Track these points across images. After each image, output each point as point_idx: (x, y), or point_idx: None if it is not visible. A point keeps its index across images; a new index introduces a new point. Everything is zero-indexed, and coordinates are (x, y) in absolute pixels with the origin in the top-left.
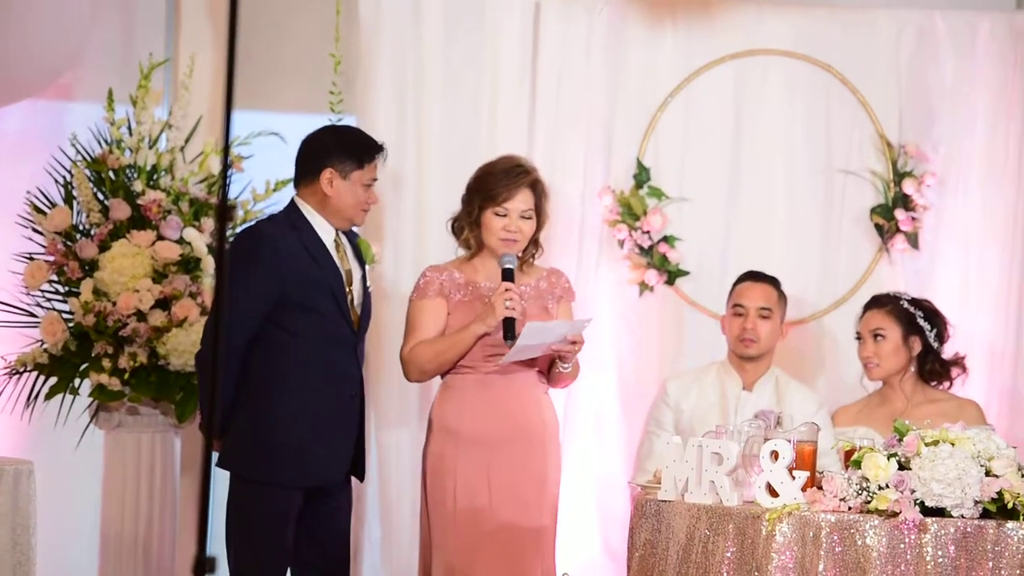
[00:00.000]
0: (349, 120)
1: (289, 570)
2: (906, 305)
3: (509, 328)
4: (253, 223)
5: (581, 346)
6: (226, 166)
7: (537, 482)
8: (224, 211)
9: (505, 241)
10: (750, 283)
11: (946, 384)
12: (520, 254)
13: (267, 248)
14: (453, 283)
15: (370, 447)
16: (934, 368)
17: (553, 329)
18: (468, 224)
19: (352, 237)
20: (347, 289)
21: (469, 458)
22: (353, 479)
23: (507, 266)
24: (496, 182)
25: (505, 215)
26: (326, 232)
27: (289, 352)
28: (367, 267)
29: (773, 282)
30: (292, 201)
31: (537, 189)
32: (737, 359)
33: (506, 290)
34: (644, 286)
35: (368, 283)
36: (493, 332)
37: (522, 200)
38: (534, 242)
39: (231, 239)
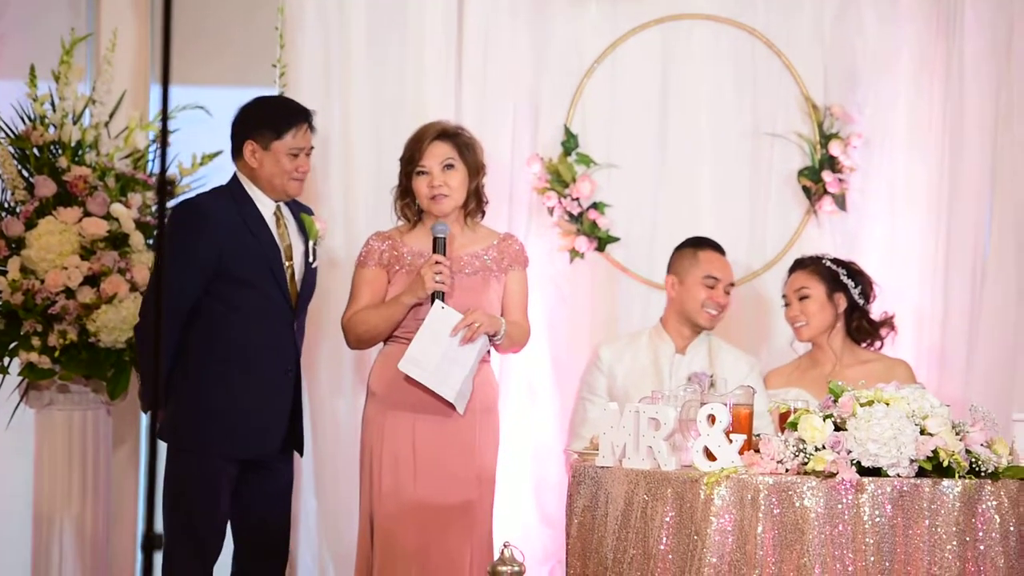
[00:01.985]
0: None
1: (231, 544)
2: (828, 264)
3: (437, 302)
4: (192, 196)
5: (480, 319)
6: (164, 138)
7: (465, 453)
8: (164, 185)
9: (435, 199)
10: (718, 255)
11: (876, 344)
12: (464, 210)
13: (203, 221)
14: (393, 252)
15: (307, 418)
16: (862, 326)
17: (438, 334)
18: (400, 195)
19: (297, 211)
20: (287, 264)
21: (395, 426)
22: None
23: (438, 235)
24: (411, 145)
25: (426, 172)
26: (266, 206)
27: (225, 325)
28: (311, 242)
29: (726, 254)
30: (234, 174)
31: (454, 139)
32: (680, 323)
33: (436, 263)
34: (575, 253)
35: (311, 259)
36: (424, 303)
37: (439, 152)
38: (475, 195)
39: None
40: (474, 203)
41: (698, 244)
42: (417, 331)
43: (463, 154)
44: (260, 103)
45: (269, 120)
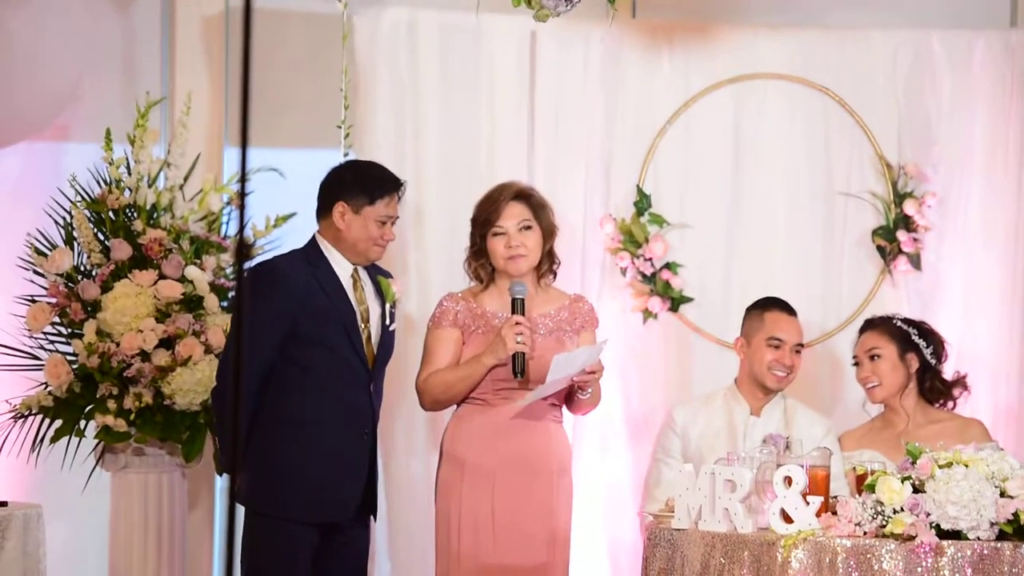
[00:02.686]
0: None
1: None
2: (899, 323)
3: (519, 362)
4: (267, 259)
5: (600, 373)
6: (243, 202)
7: (543, 514)
8: (242, 246)
9: (512, 259)
10: (785, 315)
11: (949, 404)
12: (537, 272)
13: (278, 282)
14: (469, 313)
15: (381, 481)
16: (934, 386)
17: (574, 360)
18: (474, 256)
19: (374, 274)
20: (362, 326)
21: (473, 488)
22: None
23: (517, 296)
24: (486, 206)
25: (503, 232)
26: (343, 268)
27: (301, 387)
28: (388, 305)
29: (796, 314)
30: (313, 237)
31: (529, 200)
32: (753, 385)
33: (516, 323)
34: (648, 313)
35: (389, 322)
36: (503, 364)
37: (515, 213)
38: (548, 256)
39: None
40: (547, 264)
41: (765, 305)
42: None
43: (538, 215)
44: (355, 167)
45: (364, 185)
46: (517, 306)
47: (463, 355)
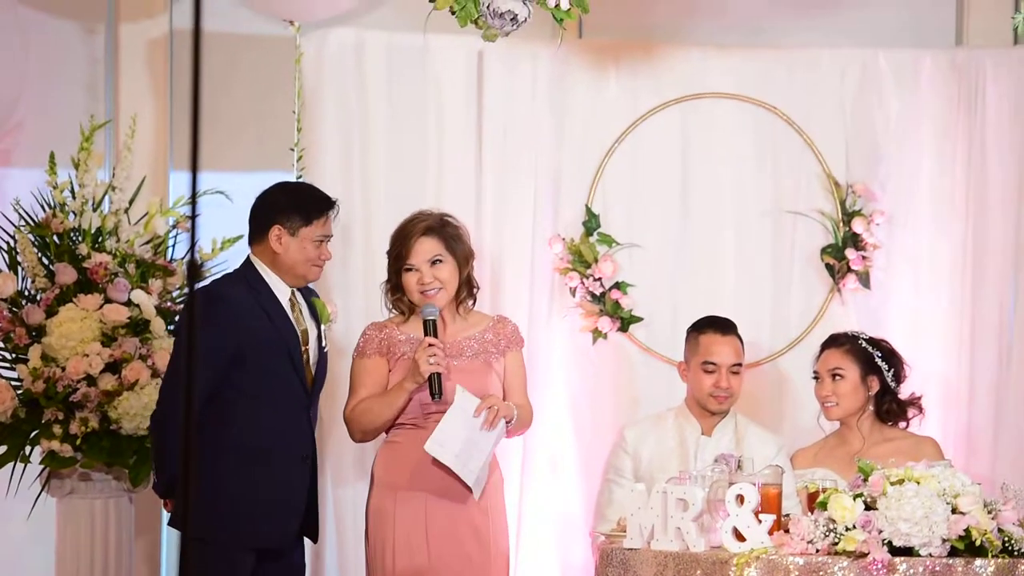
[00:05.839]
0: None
1: None
2: (864, 344)
3: (435, 383)
4: (207, 283)
5: (498, 403)
6: (193, 224)
7: (479, 537)
8: (193, 269)
9: (425, 295)
10: (718, 336)
11: (902, 424)
12: (456, 299)
13: (222, 308)
14: (392, 340)
15: (326, 505)
16: (891, 408)
17: (455, 427)
18: (391, 290)
19: (308, 296)
20: (303, 349)
21: (406, 513)
22: (307, 540)
23: (428, 318)
24: (398, 241)
25: (414, 269)
26: (282, 291)
27: (241, 412)
28: (323, 327)
29: (736, 331)
30: (248, 259)
31: (440, 233)
32: (698, 407)
33: (429, 345)
34: (598, 333)
35: (324, 343)
36: (423, 388)
37: (426, 249)
38: (467, 283)
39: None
40: (465, 291)
41: (699, 327)
42: (443, 416)
43: (450, 247)
44: (287, 189)
45: (299, 207)
46: (429, 328)
47: (389, 383)
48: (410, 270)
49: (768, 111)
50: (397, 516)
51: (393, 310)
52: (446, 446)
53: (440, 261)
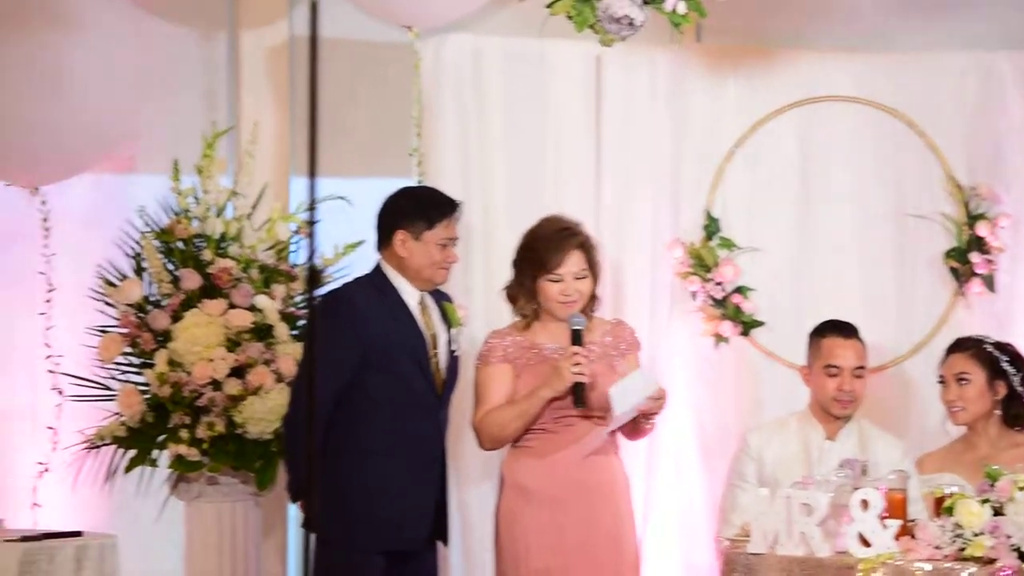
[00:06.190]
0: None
1: None
2: (990, 349)
3: (579, 393)
4: (337, 287)
5: (665, 399)
6: (312, 230)
7: (612, 540)
8: (313, 275)
9: (564, 304)
10: (840, 339)
11: None
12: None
13: (350, 312)
14: (517, 347)
15: (452, 507)
16: (1019, 412)
17: (631, 388)
18: (523, 293)
19: (439, 300)
20: (432, 352)
21: (541, 517)
22: (440, 544)
23: (575, 327)
24: (545, 249)
25: (560, 280)
26: (410, 295)
27: (371, 416)
28: (454, 330)
29: (858, 335)
30: (377, 264)
31: (587, 248)
32: (822, 411)
33: (574, 354)
34: (719, 338)
35: (454, 347)
36: (562, 396)
37: (574, 263)
38: (593, 297)
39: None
40: (591, 304)
41: (821, 332)
42: (630, 375)
43: (592, 264)
44: (410, 193)
45: (421, 211)
46: (576, 337)
47: (515, 390)
48: (554, 281)
49: (888, 114)
50: (530, 520)
51: (517, 314)
52: (624, 398)
53: (584, 277)
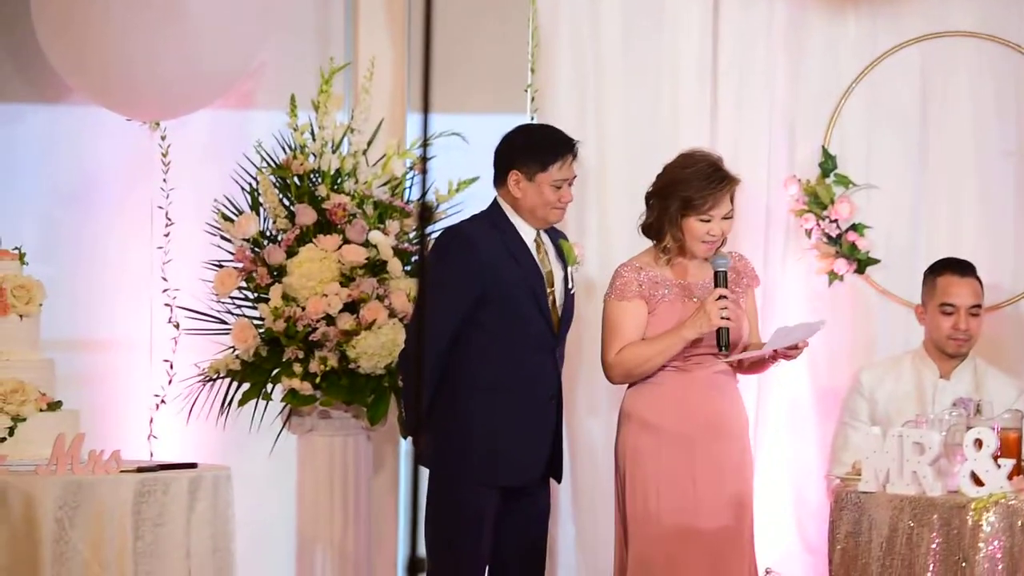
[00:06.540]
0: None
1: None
2: None
3: (724, 337)
4: (455, 223)
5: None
6: (425, 167)
7: (739, 479)
8: (425, 211)
9: (708, 244)
10: (956, 278)
11: None
12: None
13: (467, 248)
14: (652, 281)
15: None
16: None
17: (792, 333)
18: (669, 228)
19: (555, 237)
20: (548, 290)
21: (672, 454)
22: (552, 481)
23: (720, 269)
24: (699, 189)
25: (709, 220)
26: (527, 232)
27: (488, 352)
28: (570, 268)
29: (975, 273)
30: (495, 200)
31: (733, 194)
32: (936, 350)
33: (720, 296)
34: (833, 275)
35: (570, 285)
36: (704, 337)
37: (725, 205)
38: None
39: (431, 239)
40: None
41: (937, 270)
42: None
43: (734, 204)
44: (526, 132)
45: (535, 151)
46: (720, 279)
47: (649, 324)
48: (704, 220)
49: (1012, 50)
50: (663, 456)
51: (656, 244)
52: (781, 340)
53: (730, 218)
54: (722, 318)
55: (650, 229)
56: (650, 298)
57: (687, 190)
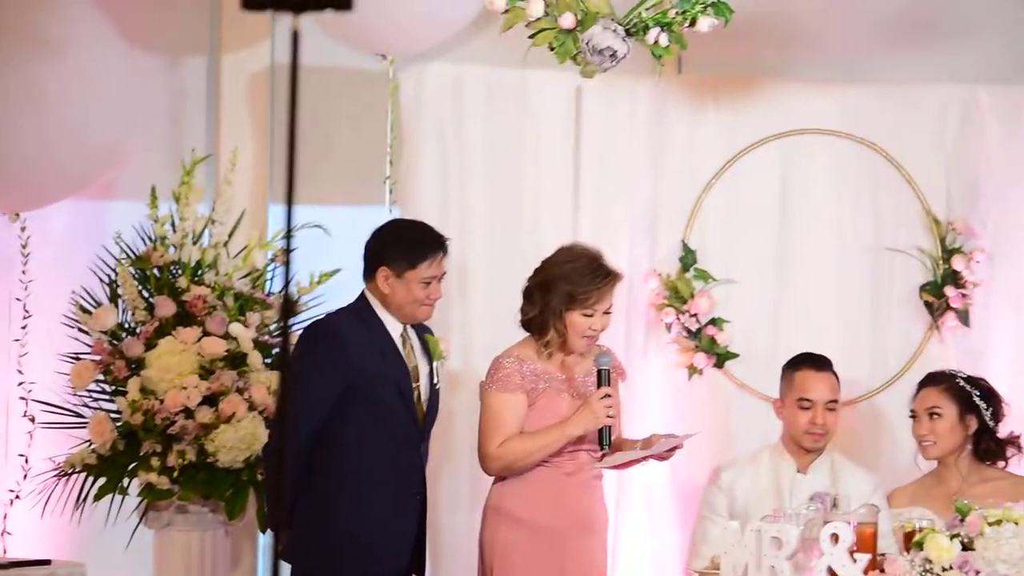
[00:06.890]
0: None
1: None
2: (962, 383)
3: (606, 435)
4: (323, 316)
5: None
6: (288, 258)
7: (603, 570)
8: (288, 304)
9: (589, 339)
10: (812, 372)
11: (1000, 463)
12: None
13: (334, 341)
14: (533, 374)
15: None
16: (989, 447)
17: (670, 441)
18: (552, 322)
19: (421, 332)
20: (414, 385)
21: (543, 550)
22: None
23: (603, 368)
24: (584, 284)
25: (592, 315)
26: (394, 327)
27: (354, 447)
28: (435, 363)
29: (832, 368)
30: (362, 293)
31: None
32: (794, 444)
33: (605, 395)
34: (693, 369)
35: (436, 380)
36: (587, 435)
37: (608, 300)
38: None
39: (293, 331)
40: None
41: (794, 364)
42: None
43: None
44: (396, 228)
45: (405, 249)
46: (603, 377)
47: (528, 418)
48: (587, 315)
49: (868, 147)
50: (533, 551)
51: (538, 338)
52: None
53: (610, 312)
54: (608, 417)
55: (532, 323)
56: (531, 391)
57: (570, 284)
